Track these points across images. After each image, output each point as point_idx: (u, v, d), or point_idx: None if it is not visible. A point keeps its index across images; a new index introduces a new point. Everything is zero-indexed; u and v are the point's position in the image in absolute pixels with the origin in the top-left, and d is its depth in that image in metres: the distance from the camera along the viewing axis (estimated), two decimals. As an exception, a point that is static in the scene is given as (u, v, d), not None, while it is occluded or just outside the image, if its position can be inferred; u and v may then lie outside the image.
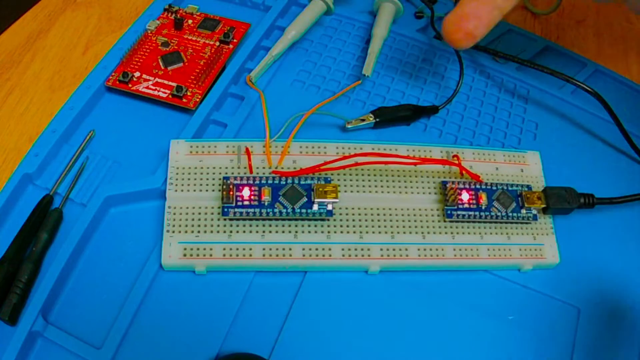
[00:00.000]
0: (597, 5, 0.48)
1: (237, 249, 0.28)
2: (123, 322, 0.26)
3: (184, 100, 0.33)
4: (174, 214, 0.28)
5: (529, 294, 0.30)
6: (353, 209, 0.30)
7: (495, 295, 0.29)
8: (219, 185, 0.29)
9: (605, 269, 0.31)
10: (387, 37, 0.38)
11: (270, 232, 0.28)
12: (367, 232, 0.29)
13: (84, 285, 0.27)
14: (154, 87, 0.33)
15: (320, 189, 0.28)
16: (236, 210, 0.28)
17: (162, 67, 0.34)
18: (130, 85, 0.33)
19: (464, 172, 0.31)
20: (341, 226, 0.29)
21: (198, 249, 0.28)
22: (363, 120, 0.33)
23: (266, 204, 0.28)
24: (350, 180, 0.30)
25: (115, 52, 0.35)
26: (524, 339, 0.28)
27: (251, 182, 0.28)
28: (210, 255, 0.28)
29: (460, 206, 0.29)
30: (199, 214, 0.28)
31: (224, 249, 0.28)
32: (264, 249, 0.28)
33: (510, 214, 0.30)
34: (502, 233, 0.30)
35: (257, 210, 0.28)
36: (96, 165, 0.31)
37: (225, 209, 0.28)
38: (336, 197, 0.28)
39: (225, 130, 0.33)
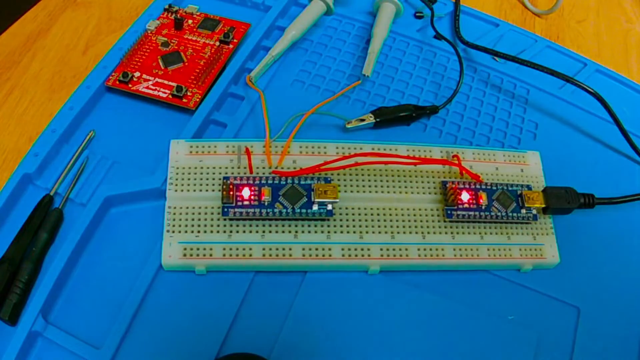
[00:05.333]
0: (597, 5, 0.48)
1: (237, 249, 0.28)
2: (123, 322, 0.26)
3: (184, 100, 0.33)
4: (174, 214, 0.28)
5: (529, 294, 0.30)
6: (353, 209, 0.30)
7: (495, 295, 0.29)
8: (219, 185, 0.29)
9: (605, 269, 0.31)
10: (387, 37, 0.38)
11: (270, 232, 0.28)
12: (367, 232, 0.29)
13: (84, 285, 0.27)
14: (154, 87, 0.33)
15: (320, 189, 0.28)
16: (236, 210, 0.28)
17: (162, 67, 0.34)
18: (130, 85, 0.33)
19: (464, 172, 0.31)
20: (341, 226, 0.29)
21: (198, 249, 0.28)
22: (363, 120, 0.33)
23: (266, 204, 0.28)
24: (350, 180, 0.30)
25: (115, 52, 0.35)
26: (524, 339, 0.28)
27: (251, 182, 0.28)
28: (210, 255, 0.28)
29: (460, 206, 0.29)
30: (199, 214, 0.28)
31: (224, 249, 0.28)
32: (264, 249, 0.28)
33: (510, 214, 0.30)
34: (502, 233, 0.30)
35: (257, 210, 0.28)
36: (96, 165, 0.31)
37: (225, 209, 0.28)
38: (336, 197, 0.28)
39: (225, 130, 0.33)
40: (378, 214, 0.30)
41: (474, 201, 0.30)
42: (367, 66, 0.35)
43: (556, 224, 0.31)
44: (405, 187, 0.30)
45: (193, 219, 0.28)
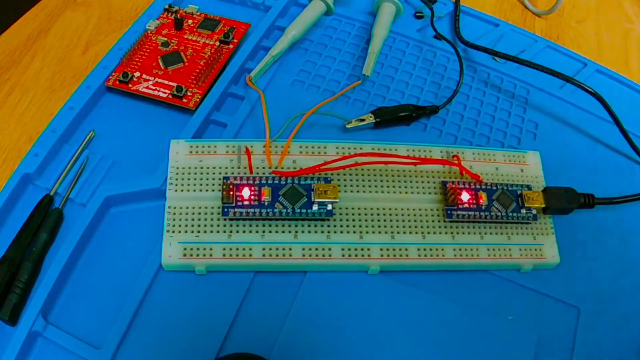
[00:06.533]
0: (597, 5, 0.48)
1: (237, 249, 0.28)
2: (123, 322, 0.26)
3: (184, 100, 0.33)
4: (174, 214, 0.28)
5: (529, 294, 0.30)
6: (353, 209, 0.30)
7: (495, 295, 0.29)
8: (219, 185, 0.29)
9: (605, 269, 0.31)
10: (387, 37, 0.38)
11: (270, 232, 0.28)
12: (367, 232, 0.29)
13: (84, 285, 0.27)
14: (154, 87, 0.33)
15: (320, 189, 0.28)
16: (236, 210, 0.28)
17: (162, 67, 0.34)
18: (130, 85, 0.33)
19: (464, 172, 0.31)
20: (341, 226, 0.29)
21: (198, 249, 0.28)
22: (363, 120, 0.33)
23: (266, 204, 0.28)
24: (350, 180, 0.30)
25: (115, 52, 0.35)
26: (524, 339, 0.28)
27: (251, 182, 0.28)
28: (210, 255, 0.28)
29: (460, 206, 0.29)
30: (199, 214, 0.28)
31: (224, 249, 0.28)
32: (264, 249, 0.28)
33: (510, 214, 0.30)
34: (502, 233, 0.30)
35: (257, 210, 0.28)
36: (96, 165, 0.31)
37: (225, 209, 0.28)
38: (336, 197, 0.28)
39: (225, 130, 0.33)
40: (378, 214, 0.30)
41: (474, 201, 0.30)
42: (367, 66, 0.35)
43: (556, 224, 0.31)
44: (405, 187, 0.30)
45: (193, 219, 0.28)
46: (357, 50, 0.38)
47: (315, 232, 0.29)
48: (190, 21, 0.37)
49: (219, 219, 0.28)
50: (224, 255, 0.28)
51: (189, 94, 0.33)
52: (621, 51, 0.45)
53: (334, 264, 0.28)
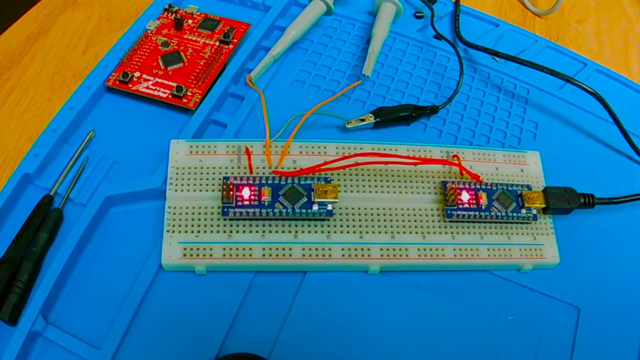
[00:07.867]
0: (597, 5, 0.48)
1: (237, 249, 0.28)
2: (123, 322, 0.26)
3: (184, 100, 0.33)
4: (174, 214, 0.28)
5: (529, 294, 0.30)
6: (353, 209, 0.30)
7: (495, 295, 0.29)
8: (219, 185, 0.29)
9: (605, 269, 0.31)
10: (387, 37, 0.38)
11: (270, 232, 0.28)
12: (367, 232, 0.29)
13: (84, 285, 0.27)
14: (154, 87, 0.33)
15: (320, 189, 0.28)
16: (236, 210, 0.28)
17: (162, 67, 0.34)
18: (130, 85, 0.33)
19: (464, 172, 0.31)
20: (341, 226, 0.29)
21: (198, 249, 0.28)
22: (363, 120, 0.33)
23: (266, 204, 0.28)
24: (350, 180, 0.30)
25: (115, 52, 0.35)
26: (524, 339, 0.28)
27: (251, 182, 0.28)
28: (210, 255, 0.28)
29: (460, 206, 0.29)
30: (199, 214, 0.28)
31: (224, 249, 0.28)
32: (264, 249, 0.28)
33: (510, 214, 0.30)
34: (502, 233, 0.30)
35: (257, 210, 0.28)
36: (96, 165, 0.31)
37: (225, 209, 0.28)
38: (336, 197, 0.28)
39: (225, 130, 0.33)
40: (378, 214, 0.30)
41: (474, 201, 0.30)
42: (367, 66, 0.35)
43: (556, 224, 0.31)
44: (405, 187, 0.30)
45: (193, 219, 0.28)
46: (357, 50, 0.38)
47: (315, 232, 0.29)
48: (190, 21, 0.37)
49: (219, 219, 0.28)
50: (224, 255, 0.28)
51: (189, 94, 0.33)
52: (621, 51, 0.45)
53: (334, 264, 0.28)
